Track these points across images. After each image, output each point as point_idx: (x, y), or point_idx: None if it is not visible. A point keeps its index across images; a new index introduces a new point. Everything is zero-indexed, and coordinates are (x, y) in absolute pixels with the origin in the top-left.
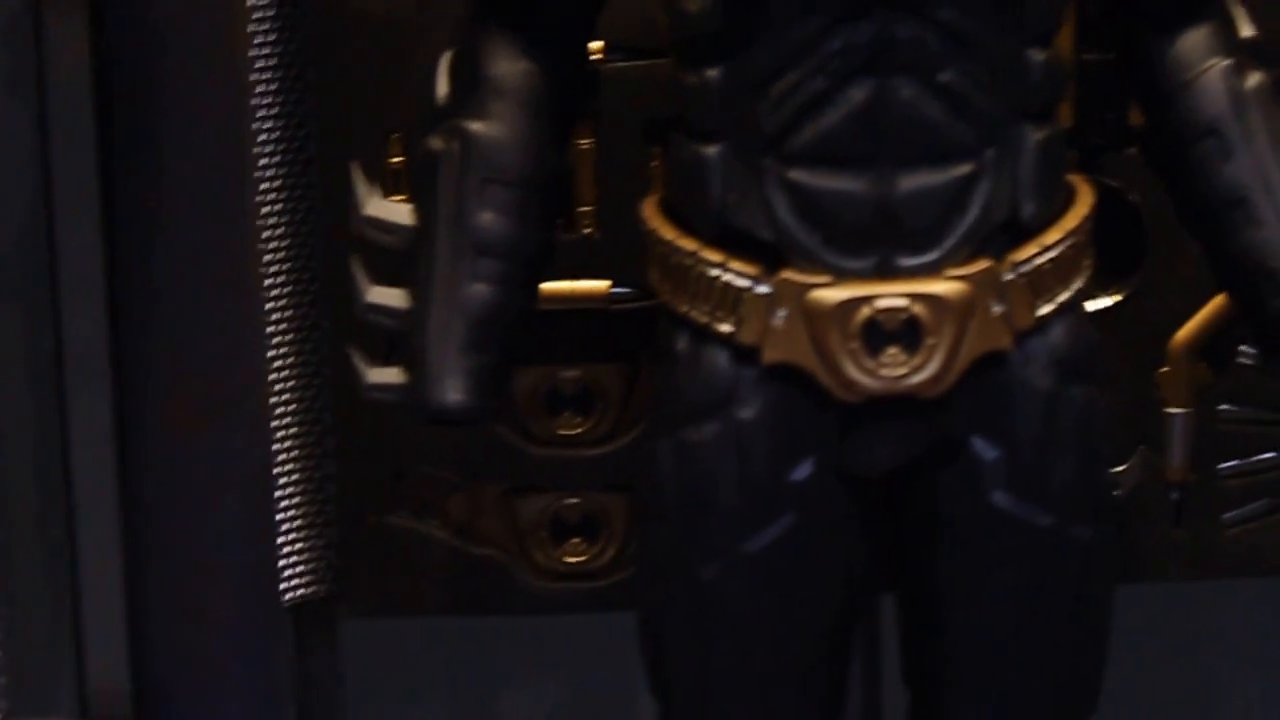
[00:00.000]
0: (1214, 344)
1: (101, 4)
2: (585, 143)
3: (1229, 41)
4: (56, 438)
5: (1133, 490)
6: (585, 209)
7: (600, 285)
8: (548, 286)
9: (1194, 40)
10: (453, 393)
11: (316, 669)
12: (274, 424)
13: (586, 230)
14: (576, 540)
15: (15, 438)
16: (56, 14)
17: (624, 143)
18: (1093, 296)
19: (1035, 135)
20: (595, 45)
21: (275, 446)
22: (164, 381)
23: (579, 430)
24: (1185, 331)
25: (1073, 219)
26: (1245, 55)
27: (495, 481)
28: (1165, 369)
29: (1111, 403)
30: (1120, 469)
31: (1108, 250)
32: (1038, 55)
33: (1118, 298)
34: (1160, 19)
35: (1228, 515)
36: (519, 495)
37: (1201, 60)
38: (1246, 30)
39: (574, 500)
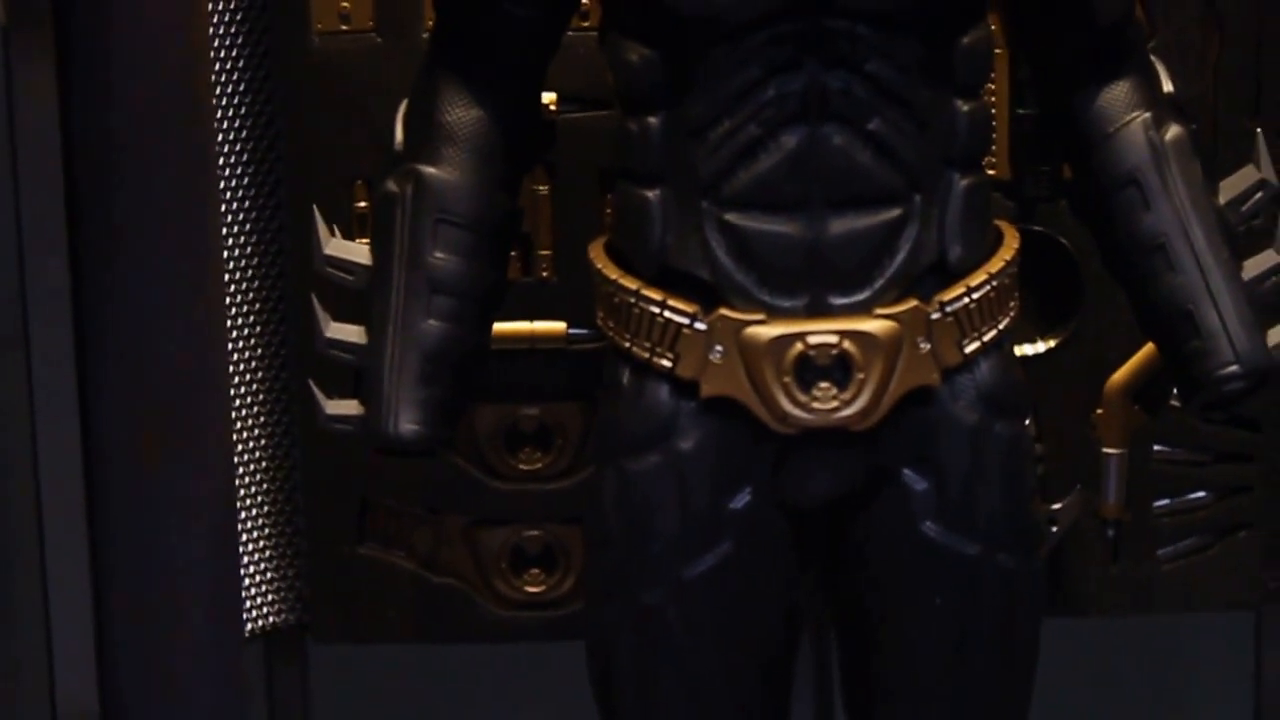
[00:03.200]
0: (1147, 387)
1: (67, 52)
2: (542, 189)
3: (1150, 96)
4: (27, 469)
5: (1070, 527)
6: (543, 253)
7: (558, 326)
8: (508, 327)
9: (1116, 95)
10: (407, 423)
11: (286, 694)
12: (241, 457)
13: (544, 274)
14: (536, 571)
15: None
16: (23, 62)
17: (579, 190)
18: (1031, 341)
19: (962, 182)
20: (549, 96)
21: (242, 479)
22: (131, 413)
23: (538, 465)
24: (1120, 375)
25: (997, 262)
26: (1165, 109)
27: (459, 514)
28: (1101, 411)
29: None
30: (1058, 506)
31: (1045, 297)
32: (964, 106)
33: (1055, 342)
34: (1085, 75)
35: (1162, 551)
36: (481, 527)
37: (1123, 114)
38: (1167, 86)
39: (534, 532)
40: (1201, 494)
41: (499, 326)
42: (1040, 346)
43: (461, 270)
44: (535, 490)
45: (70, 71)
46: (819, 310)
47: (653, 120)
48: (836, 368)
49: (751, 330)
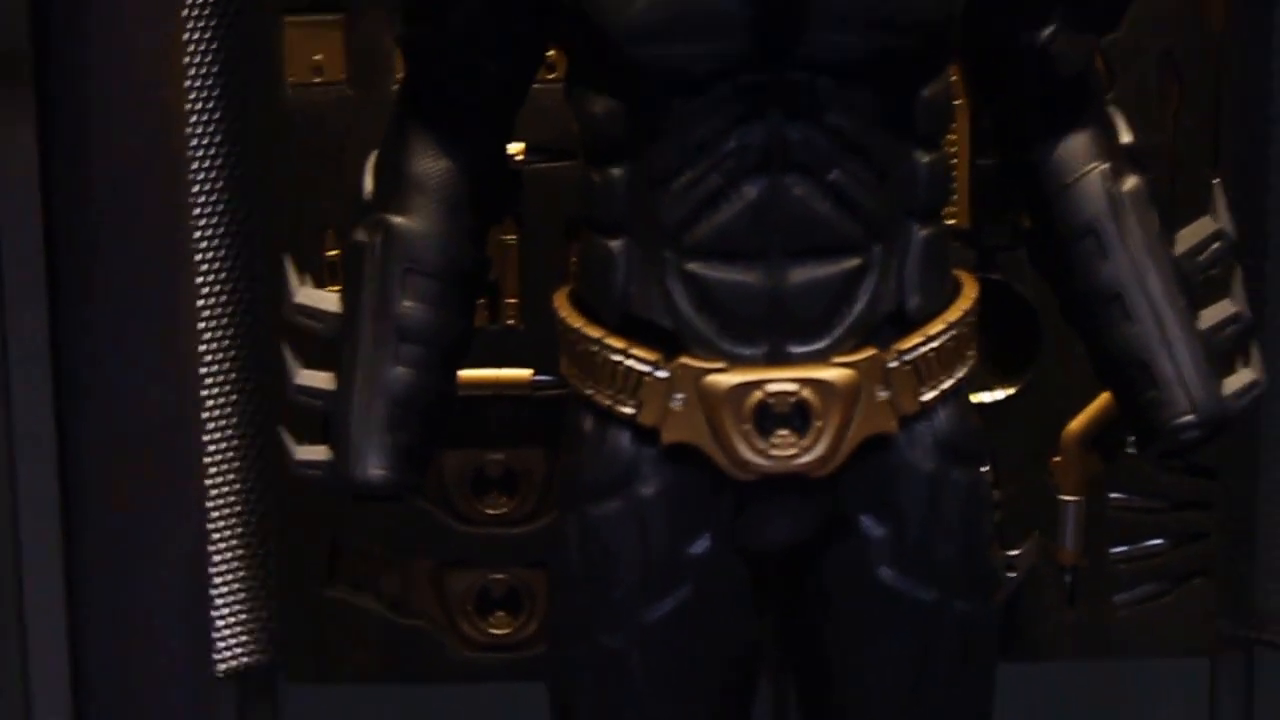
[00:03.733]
0: (1104, 435)
1: (47, 105)
2: (510, 238)
3: (1108, 147)
4: (6, 512)
5: (1027, 573)
6: (510, 301)
7: (524, 373)
8: (475, 374)
9: (1075, 146)
10: (374, 469)
11: None
12: (215, 500)
13: (511, 321)
14: (501, 613)
15: None
16: (4, 118)
17: (546, 239)
18: (989, 389)
19: (921, 232)
20: (517, 147)
21: (216, 521)
22: (106, 460)
23: (504, 510)
24: (1077, 423)
25: (955, 311)
26: (1123, 160)
27: (426, 557)
28: (1058, 458)
29: (990, 485)
30: (1015, 552)
31: (1003, 345)
32: (924, 157)
33: (1013, 390)
34: (1044, 126)
35: (1118, 597)
36: (448, 570)
37: (1082, 165)
38: (1125, 137)
39: (499, 576)
40: (1158, 541)
41: (467, 373)
42: (998, 394)
43: (429, 318)
44: (501, 534)
45: (50, 126)
46: (778, 358)
47: (616, 171)
48: (795, 415)
49: (712, 378)
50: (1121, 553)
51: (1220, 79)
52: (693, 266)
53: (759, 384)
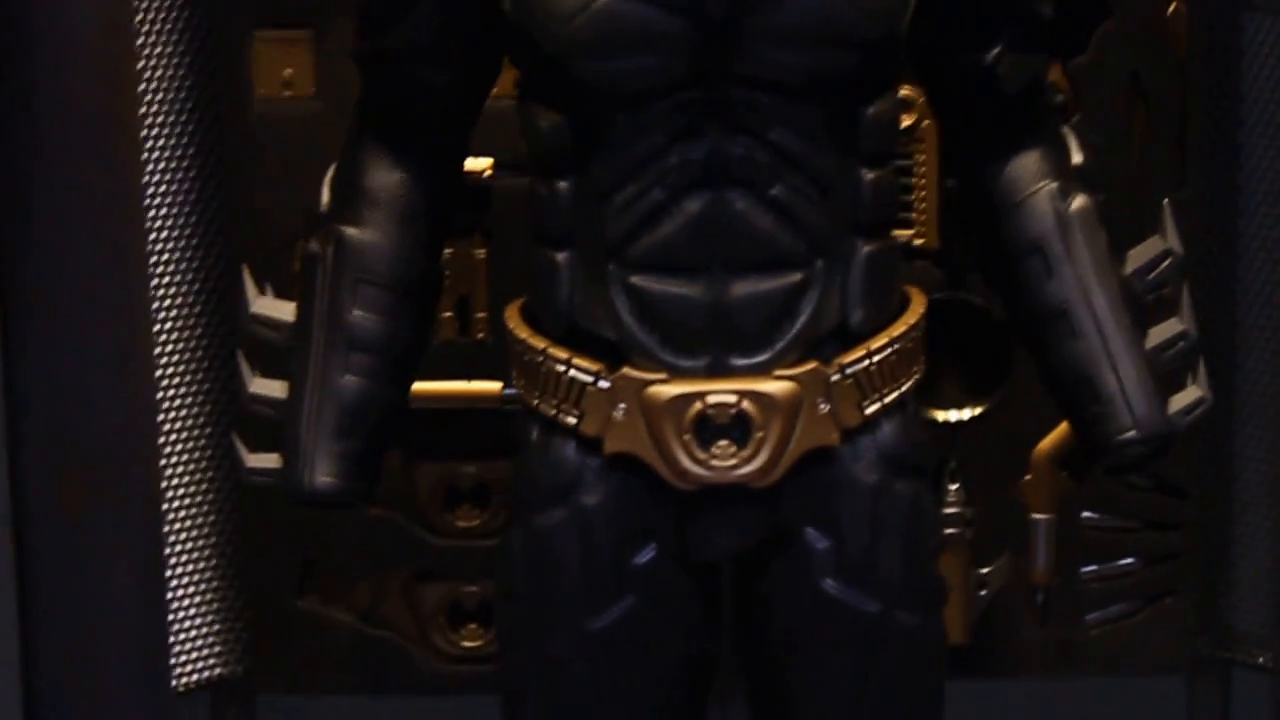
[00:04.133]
0: (1073, 455)
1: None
2: (480, 253)
3: (1057, 167)
4: None
5: (999, 591)
6: (480, 315)
7: (494, 386)
8: (445, 386)
9: (1024, 165)
10: (322, 476)
11: None
12: (189, 509)
13: (480, 335)
14: (474, 626)
15: None
16: None
17: (515, 253)
18: (959, 408)
19: (865, 248)
20: (486, 162)
21: (189, 531)
22: (57, 469)
23: (476, 522)
24: (1047, 442)
25: (900, 326)
26: (1072, 180)
27: (398, 570)
28: (1029, 477)
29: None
30: (986, 570)
31: (973, 365)
32: (869, 174)
33: (983, 409)
34: (994, 145)
35: (1090, 616)
36: (420, 583)
37: (1031, 184)
38: (1076, 157)
39: (471, 588)
40: (1129, 560)
41: (437, 386)
42: (968, 413)
43: (379, 328)
44: (473, 547)
45: (3, 125)
46: (720, 371)
47: (562, 184)
48: (735, 426)
49: (653, 389)
50: (1093, 572)
51: (1186, 101)
52: (636, 279)
53: (699, 395)
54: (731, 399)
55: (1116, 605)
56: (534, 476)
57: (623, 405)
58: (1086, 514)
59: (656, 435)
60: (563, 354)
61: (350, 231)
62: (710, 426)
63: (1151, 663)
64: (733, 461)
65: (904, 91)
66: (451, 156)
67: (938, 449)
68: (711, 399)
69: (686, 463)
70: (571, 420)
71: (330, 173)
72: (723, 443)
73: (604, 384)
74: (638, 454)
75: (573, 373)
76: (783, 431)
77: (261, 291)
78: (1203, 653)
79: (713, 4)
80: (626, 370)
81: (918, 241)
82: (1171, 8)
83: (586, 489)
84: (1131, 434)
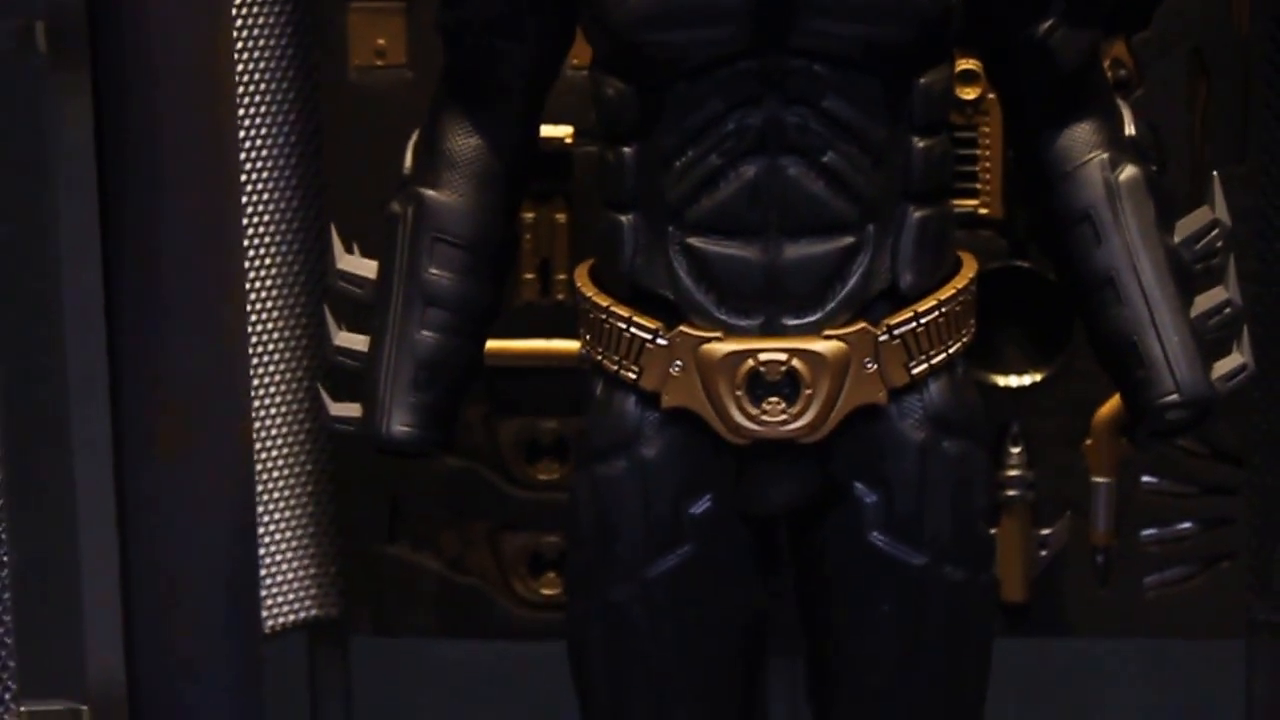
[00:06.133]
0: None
1: (104, 91)
2: (561, 218)
3: (1109, 138)
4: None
5: (1059, 552)
6: (560, 277)
7: (573, 345)
8: (528, 345)
9: (1076, 136)
10: (398, 425)
11: (328, 683)
12: (287, 459)
13: (560, 297)
14: (552, 574)
15: (23, 456)
16: (61, 88)
17: (595, 218)
18: (1021, 374)
19: (916, 214)
20: (567, 130)
21: (288, 479)
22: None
23: (556, 476)
24: (1107, 408)
25: (949, 290)
26: (1123, 151)
27: (482, 520)
28: (1090, 441)
29: (986, 458)
30: (1048, 531)
31: (1036, 332)
32: (920, 142)
33: (1046, 375)
34: (1048, 117)
35: (1148, 579)
36: (503, 532)
37: (1082, 154)
38: (1129, 129)
39: (551, 538)
40: (1187, 524)
41: (520, 344)
42: (1031, 379)
43: (455, 286)
44: (553, 499)
45: (106, 98)
46: (772, 330)
47: (627, 150)
48: (786, 384)
49: (708, 347)
50: (1152, 535)
51: (1248, 76)
52: (694, 241)
53: (752, 353)
54: (782, 357)
55: (1174, 568)
56: (597, 428)
57: (679, 362)
58: (1146, 478)
59: (711, 391)
60: (624, 312)
61: (429, 193)
62: (762, 383)
63: (1208, 626)
64: (783, 417)
65: (969, 64)
66: (526, 123)
67: (1001, 413)
68: (763, 356)
69: (739, 417)
70: (632, 375)
71: (414, 138)
72: (773, 399)
73: (662, 341)
74: (693, 408)
75: (633, 330)
76: (831, 389)
77: (349, 250)
78: (1259, 617)
79: None
80: (683, 328)
81: (982, 211)
82: None
83: (646, 441)
84: (1174, 397)
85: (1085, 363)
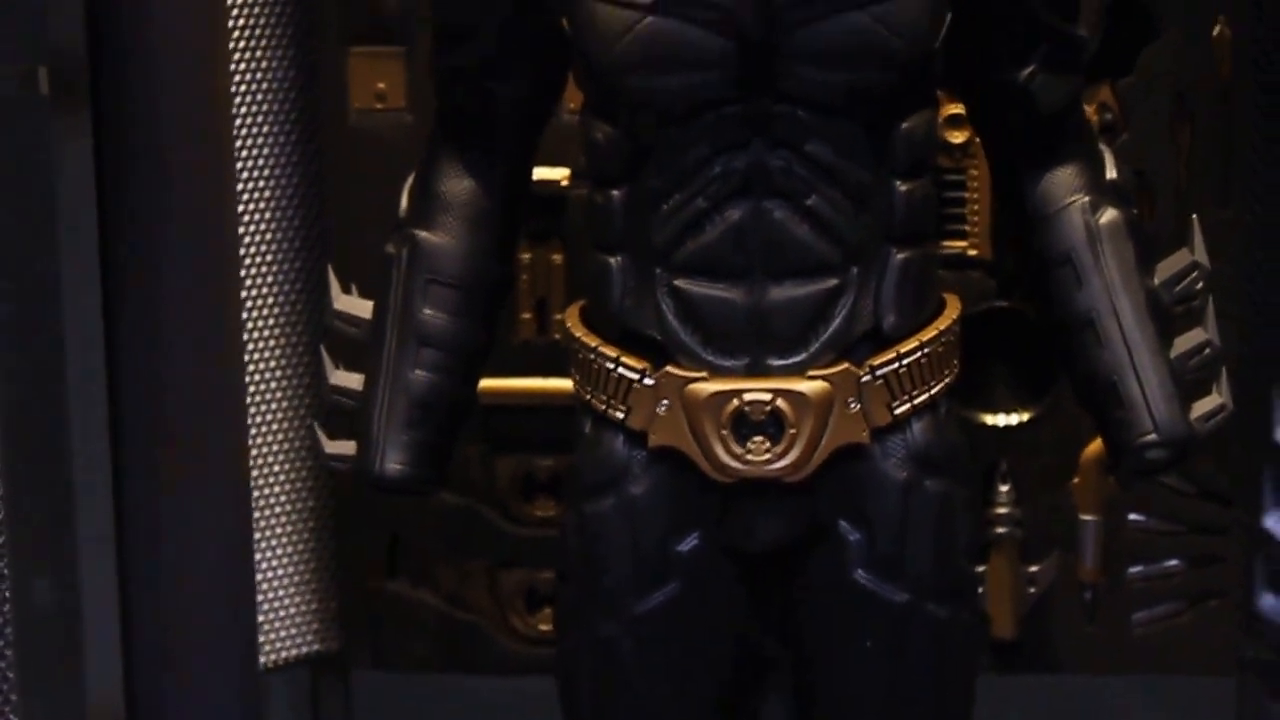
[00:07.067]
0: None
1: (105, 134)
2: (557, 258)
3: (1091, 181)
4: (63, 500)
5: (1047, 589)
6: (557, 316)
7: (569, 383)
8: (524, 383)
9: (1059, 179)
10: (391, 463)
11: (330, 716)
12: (290, 494)
13: (557, 335)
14: (548, 610)
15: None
16: (63, 129)
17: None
18: (1010, 412)
19: (899, 256)
20: (562, 172)
21: (290, 514)
22: (155, 448)
23: (552, 512)
24: (1095, 446)
25: (931, 330)
26: (1104, 194)
27: (480, 556)
28: (1077, 479)
29: (969, 497)
30: (1036, 569)
31: (1024, 371)
32: (903, 186)
33: (1033, 414)
34: (1031, 160)
35: (1136, 616)
36: (500, 569)
37: (1064, 197)
38: (1110, 173)
39: (547, 574)
40: (1175, 562)
41: (517, 382)
42: (1019, 417)
43: (448, 326)
44: (549, 535)
45: (107, 140)
46: (757, 370)
47: (615, 193)
48: (770, 423)
49: (694, 387)
50: (1139, 572)
51: (1231, 121)
52: (680, 283)
53: (737, 393)
54: (766, 397)
55: (1162, 605)
56: (586, 466)
57: (665, 401)
58: (1133, 516)
59: (697, 430)
60: (612, 352)
61: (423, 234)
62: (747, 423)
63: (1197, 663)
64: (767, 456)
65: (958, 108)
66: (519, 165)
67: (990, 452)
68: (748, 396)
69: (724, 457)
70: (620, 414)
71: (410, 181)
72: (758, 438)
73: (649, 381)
74: (680, 448)
75: (621, 370)
76: (815, 429)
77: (346, 290)
78: (1248, 655)
79: (752, 24)
80: (670, 368)
81: (971, 252)
82: (1216, 29)
83: (633, 479)
84: (1152, 437)
85: (1072, 402)
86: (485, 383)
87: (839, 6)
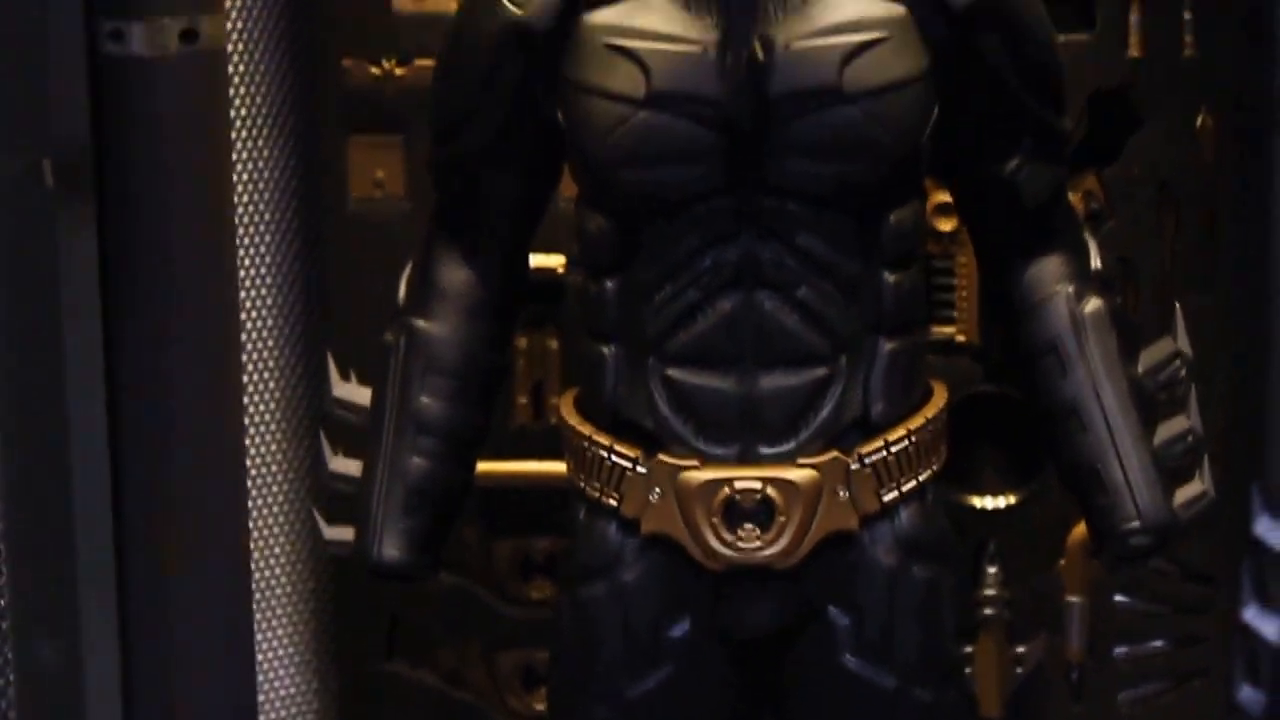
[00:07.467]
0: None
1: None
2: (553, 344)
3: (1075, 271)
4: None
5: (1034, 669)
6: (553, 401)
7: (565, 467)
8: (521, 466)
9: (1044, 269)
10: (390, 550)
11: None
12: (290, 576)
13: (553, 420)
14: (545, 689)
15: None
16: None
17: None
18: (997, 495)
19: (887, 346)
20: (559, 260)
21: (291, 596)
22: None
23: (548, 593)
24: (1081, 529)
25: (919, 419)
26: (1088, 284)
27: (478, 636)
28: (1064, 561)
29: (955, 581)
30: (1023, 649)
31: (1011, 455)
32: (891, 277)
33: (1020, 497)
34: (1016, 251)
35: (1122, 695)
36: (497, 649)
37: (1050, 286)
38: (1095, 263)
39: (544, 655)
40: (1160, 642)
41: (514, 466)
42: (1006, 500)
43: (445, 414)
44: (545, 616)
45: (111, 230)
46: (748, 458)
47: (609, 283)
48: (761, 511)
49: (686, 475)
50: (1125, 653)
51: (1215, 209)
52: (673, 372)
53: (728, 481)
54: (757, 485)
55: (1147, 685)
56: (580, 552)
57: (658, 489)
58: (1119, 597)
59: (688, 518)
60: (606, 440)
61: (420, 324)
62: (738, 510)
63: None
64: (758, 544)
65: (947, 197)
66: (515, 255)
67: (978, 533)
68: (739, 485)
69: (715, 544)
70: (613, 502)
71: (408, 269)
72: (749, 526)
73: (641, 469)
74: (672, 535)
75: (614, 458)
76: (804, 516)
77: (345, 378)
78: None
79: (743, 118)
80: (662, 457)
81: (959, 337)
82: (1199, 119)
83: (626, 566)
84: (1135, 524)
85: (1058, 485)
86: (482, 466)
87: (828, 101)
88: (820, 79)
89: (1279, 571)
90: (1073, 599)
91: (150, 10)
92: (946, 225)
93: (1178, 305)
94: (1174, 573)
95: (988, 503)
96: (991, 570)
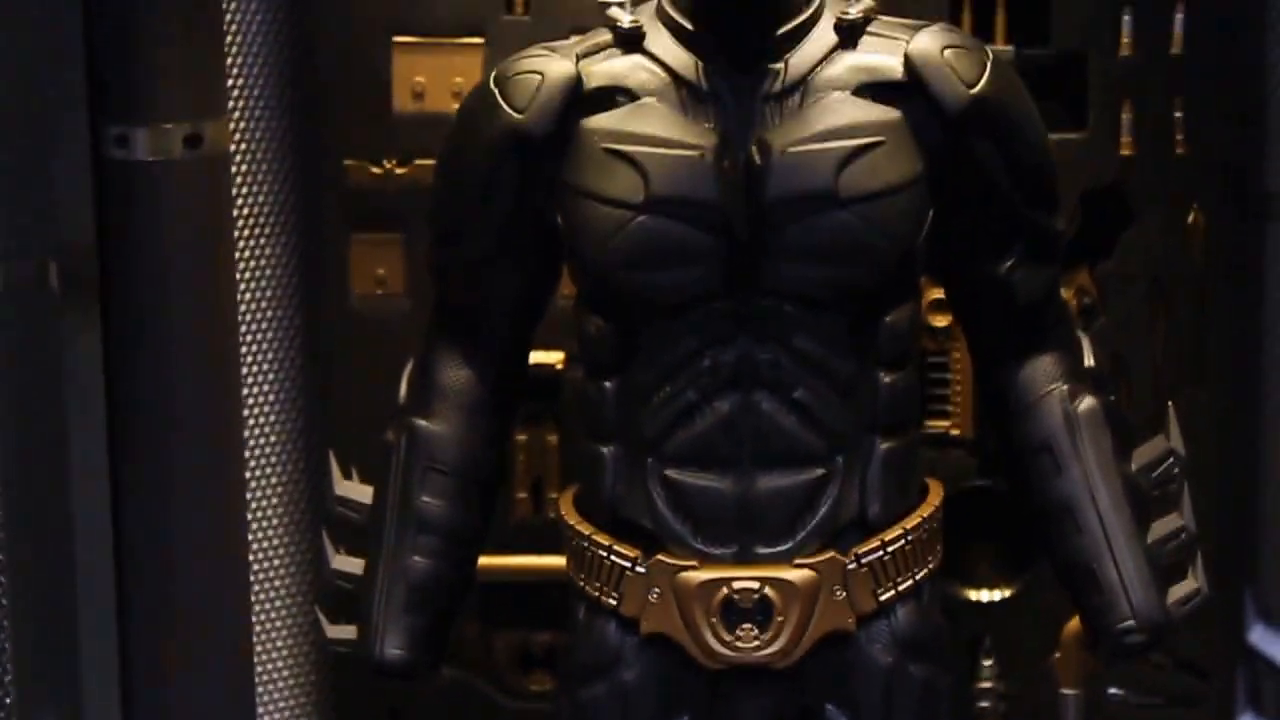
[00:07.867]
0: None
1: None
2: (552, 439)
3: (1068, 370)
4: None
5: None
6: (552, 496)
7: (564, 561)
8: (521, 561)
9: (1037, 368)
10: (391, 648)
11: None
12: (284, 672)
13: (552, 515)
14: None
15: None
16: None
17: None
18: (992, 588)
19: (883, 445)
20: (558, 356)
21: (282, 692)
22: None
23: (548, 686)
24: (1075, 622)
25: (915, 519)
26: (1082, 383)
27: None
28: (1058, 654)
29: (952, 679)
30: None
31: (1005, 548)
32: (887, 377)
33: (1015, 590)
34: (1010, 350)
35: None
36: None
37: (1044, 385)
38: (1088, 361)
39: None
40: None
41: (513, 560)
42: (1001, 594)
43: (445, 513)
44: (545, 708)
45: (115, 333)
46: (746, 558)
47: (608, 385)
48: (759, 611)
49: (684, 575)
50: None
51: (1205, 306)
52: (671, 473)
53: (726, 581)
54: (755, 585)
55: None
56: (579, 651)
57: (657, 589)
58: (1113, 690)
59: (687, 617)
60: (605, 540)
61: (421, 423)
62: (736, 610)
63: None
64: (756, 643)
65: (941, 294)
66: (515, 355)
67: (973, 627)
68: (737, 585)
69: (714, 644)
70: (612, 601)
71: (409, 368)
72: (746, 626)
73: (640, 569)
74: (671, 634)
75: (613, 558)
76: (802, 616)
77: (346, 476)
78: None
79: (739, 223)
80: (661, 557)
81: (954, 431)
82: (1191, 216)
83: (626, 665)
84: (1129, 623)
85: (1052, 579)
86: (483, 560)
87: (823, 206)
88: (815, 184)
89: (1273, 680)
90: (1067, 692)
91: (155, 116)
92: (942, 321)
93: (1170, 404)
94: (1168, 665)
95: (983, 596)
96: (987, 663)
